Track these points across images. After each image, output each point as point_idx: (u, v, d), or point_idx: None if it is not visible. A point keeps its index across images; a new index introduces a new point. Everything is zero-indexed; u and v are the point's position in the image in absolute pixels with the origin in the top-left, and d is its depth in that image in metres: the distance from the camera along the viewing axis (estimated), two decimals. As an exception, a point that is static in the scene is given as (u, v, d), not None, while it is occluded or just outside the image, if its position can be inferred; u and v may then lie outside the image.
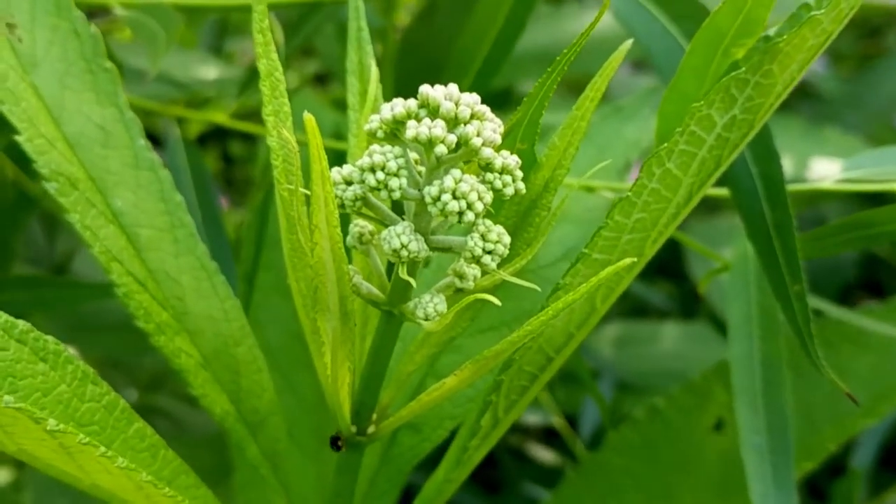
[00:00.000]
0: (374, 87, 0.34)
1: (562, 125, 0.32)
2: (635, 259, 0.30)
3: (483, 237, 0.29)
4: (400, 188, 0.29)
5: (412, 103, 0.29)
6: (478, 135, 0.29)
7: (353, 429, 0.33)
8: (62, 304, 0.55)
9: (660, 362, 0.69)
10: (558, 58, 0.31)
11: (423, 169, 0.30)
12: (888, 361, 0.53)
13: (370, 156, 0.29)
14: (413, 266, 0.30)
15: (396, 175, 0.29)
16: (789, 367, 0.41)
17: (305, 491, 0.44)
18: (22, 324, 0.29)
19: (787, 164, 0.41)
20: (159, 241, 0.36)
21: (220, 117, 0.55)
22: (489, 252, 0.29)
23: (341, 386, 0.32)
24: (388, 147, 0.29)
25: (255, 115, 0.48)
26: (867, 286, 0.84)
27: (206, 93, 0.60)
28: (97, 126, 0.35)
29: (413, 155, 0.30)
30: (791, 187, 0.39)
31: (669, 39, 0.41)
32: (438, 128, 0.28)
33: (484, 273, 0.31)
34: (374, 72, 0.35)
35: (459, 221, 0.28)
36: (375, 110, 0.33)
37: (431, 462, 0.38)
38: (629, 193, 0.32)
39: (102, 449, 0.28)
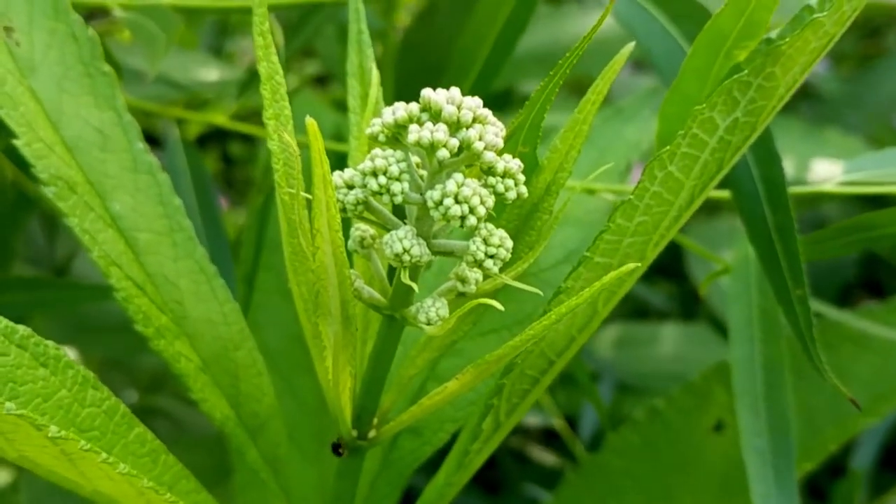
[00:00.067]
0: (375, 90, 0.34)
1: (563, 128, 0.32)
2: (638, 264, 0.30)
3: (485, 241, 0.29)
4: (402, 192, 0.29)
5: (414, 107, 0.29)
6: (480, 138, 0.28)
7: (355, 433, 0.33)
8: (62, 306, 0.55)
9: (660, 364, 0.69)
10: (560, 61, 0.31)
11: (424, 173, 0.30)
12: (888, 362, 0.53)
13: (372, 160, 0.29)
14: (415, 270, 0.30)
15: (398, 179, 0.28)
16: (789, 368, 0.41)
17: (306, 494, 0.44)
18: (22, 329, 0.29)
19: (788, 166, 0.41)
20: (158, 245, 0.36)
21: (220, 119, 0.55)
22: (491, 256, 0.29)
23: (343, 390, 0.32)
24: (389, 151, 0.29)
25: (255, 115, 0.48)
26: (867, 286, 0.84)
27: (206, 94, 0.60)
28: (95, 130, 0.35)
29: (415, 159, 0.30)
30: (792, 190, 0.39)
31: (670, 41, 0.41)
32: (440, 132, 0.28)
33: (486, 277, 0.31)
34: (374, 74, 0.34)
35: (461, 226, 0.28)
36: (377, 114, 0.33)
37: (432, 465, 0.38)
38: (631, 196, 0.32)
39: (104, 455, 0.27)
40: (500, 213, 0.33)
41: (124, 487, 0.29)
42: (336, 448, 0.33)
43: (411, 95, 0.30)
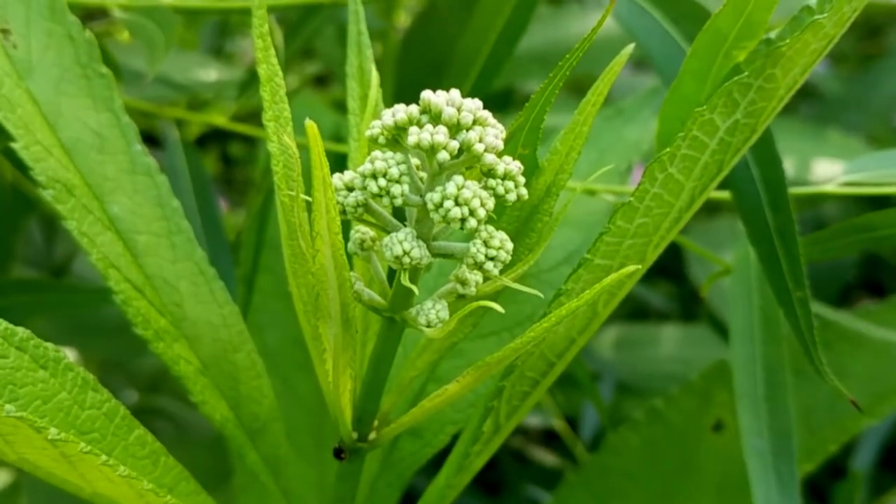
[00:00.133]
0: (375, 91, 0.34)
1: (564, 130, 0.32)
2: (638, 266, 0.30)
3: (485, 243, 0.29)
4: (402, 195, 0.29)
5: (414, 109, 0.29)
6: (480, 141, 0.28)
7: (355, 435, 0.33)
8: (62, 309, 0.55)
9: (660, 364, 0.69)
10: (560, 62, 0.30)
11: (424, 175, 0.30)
12: (887, 362, 0.53)
13: (372, 162, 0.29)
14: (415, 273, 0.30)
15: (398, 181, 0.28)
16: (789, 368, 0.41)
17: (306, 496, 0.44)
18: (22, 331, 0.29)
19: (788, 166, 0.41)
20: (157, 247, 0.36)
21: (220, 119, 0.55)
22: (491, 258, 0.29)
23: (343, 392, 0.32)
24: (389, 153, 0.29)
25: (254, 116, 0.48)
26: (867, 286, 0.84)
27: (206, 95, 0.60)
28: (93, 132, 0.35)
29: (415, 161, 0.30)
30: (793, 191, 0.39)
31: (670, 42, 0.41)
32: (441, 134, 0.28)
33: (486, 279, 0.31)
34: (374, 76, 0.34)
35: (462, 228, 0.28)
36: (376, 115, 0.33)
37: (433, 467, 0.38)
38: (631, 198, 0.32)
39: (104, 457, 0.27)
40: (501, 214, 0.33)
41: (124, 489, 0.29)
42: (338, 453, 0.33)
43: (411, 96, 0.30)
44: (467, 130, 0.28)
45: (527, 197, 0.30)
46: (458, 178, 0.28)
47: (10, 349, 0.29)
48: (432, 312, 0.30)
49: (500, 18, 0.48)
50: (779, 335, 0.41)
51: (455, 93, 0.29)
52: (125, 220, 0.35)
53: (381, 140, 0.29)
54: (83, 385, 0.30)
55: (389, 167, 0.28)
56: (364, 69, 0.35)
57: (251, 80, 0.52)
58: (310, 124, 0.27)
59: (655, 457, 0.54)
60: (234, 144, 0.91)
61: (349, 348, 0.31)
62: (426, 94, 0.29)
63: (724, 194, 0.39)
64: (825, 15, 0.30)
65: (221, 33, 0.77)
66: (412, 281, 0.30)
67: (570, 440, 0.69)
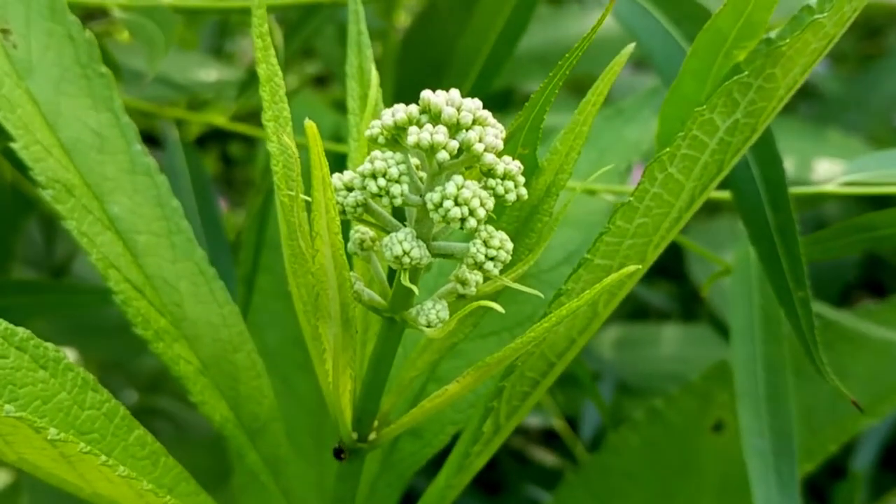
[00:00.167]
0: (375, 91, 0.34)
1: (564, 130, 0.32)
2: (638, 266, 0.30)
3: (485, 243, 0.29)
4: (401, 194, 0.28)
5: (413, 109, 0.29)
6: (480, 140, 0.28)
7: (355, 435, 0.33)
8: (62, 310, 0.55)
9: (660, 364, 0.69)
10: (560, 62, 0.30)
11: (424, 175, 0.30)
12: (887, 362, 0.53)
13: (371, 162, 0.29)
14: (415, 273, 0.30)
15: (398, 181, 0.28)
16: (790, 368, 0.41)
17: (306, 496, 0.44)
18: (22, 331, 0.29)
19: (789, 166, 0.41)
20: (156, 247, 0.36)
21: (220, 119, 0.55)
22: (491, 258, 0.29)
23: (343, 393, 0.32)
24: (389, 153, 0.29)
25: (254, 116, 0.48)
26: (868, 286, 0.84)
27: (206, 94, 0.60)
28: (93, 132, 0.35)
29: (414, 161, 0.30)
30: (793, 190, 0.39)
31: (670, 42, 0.41)
32: (440, 134, 0.28)
33: (486, 279, 0.31)
34: (374, 76, 0.34)
35: (461, 228, 0.28)
36: (376, 115, 0.33)
37: (433, 467, 0.38)
38: (631, 198, 0.32)
39: (103, 458, 0.27)
40: (500, 214, 0.33)
41: (124, 490, 0.29)
42: (338, 454, 0.33)
43: (411, 96, 0.30)
44: (467, 130, 0.28)
45: (526, 197, 0.30)
46: (458, 178, 0.28)
47: (10, 349, 0.29)
48: (432, 312, 0.30)
49: (500, 18, 0.48)
50: (779, 335, 0.41)
51: (455, 92, 0.29)
52: (125, 219, 0.35)
53: (381, 140, 0.29)
54: (83, 385, 0.30)
55: (389, 167, 0.28)
56: (364, 69, 0.35)
57: (251, 80, 0.52)
58: (309, 124, 0.27)
59: (656, 457, 0.54)
60: (233, 144, 0.91)
61: (349, 348, 0.31)
62: (426, 94, 0.29)
63: (725, 194, 0.39)
64: (825, 14, 0.30)
65: (221, 33, 0.77)
66: (412, 281, 0.30)
67: (571, 440, 0.69)
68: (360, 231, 0.32)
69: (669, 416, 0.54)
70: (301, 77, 0.83)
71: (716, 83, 0.36)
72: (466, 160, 0.29)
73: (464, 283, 0.30)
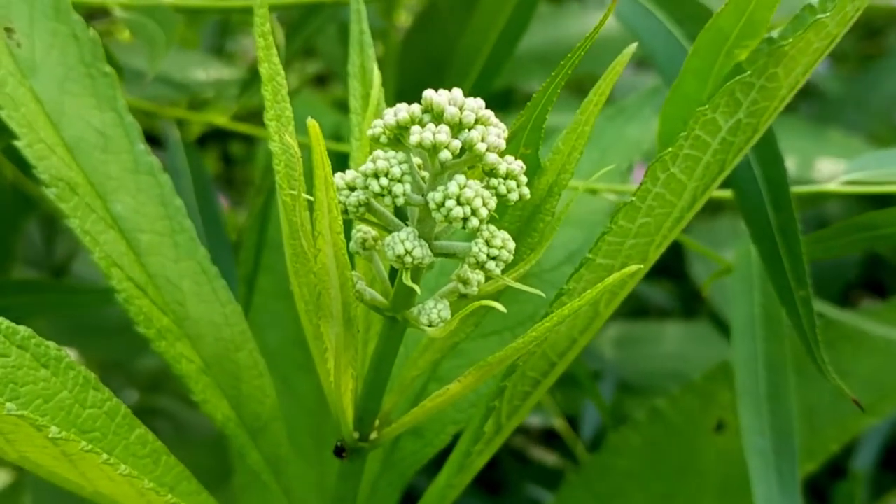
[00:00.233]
0: (377, 90, 0.34)
1: (566, 129, 0.32)
2: (640, 265, 0.30)
3: (487, 243, 0.29)
4: (404, 194, 0.28)
5: (416, 108, 0.29)
6: (482, 140, 0.28)
7: (356, 435, 0.33)
8: (63, 310, 0.55)
9: (661, 363, 0.69)
10: (562, 62, 0.30)
11: (426, 174, 0.30)
12: (889, 361, 0.53)
13: (374, 161, 0.29)
14: (417, 272, 0.30)
15: (400, 181, 0.28)
16: (791, 367, 0.41)
17: (307, 495, 0.44)
18: (23, 329, 0.29)
19: (790, 165, 0.41)
20: (159, 246, 0.36)
21: (221, 119, 0.55)
22: (493, 258, 0.29)
23: (344, 392, 0.32)
24: (391, 152, 0.29)
25: (255, 116, 0.48)
26: (869, 286, 0.84)
27: (207, 94, 0.60)
28: (96, 131, 0.35)
29: (416, 160, 0.30)
30: (795, 189, 0.39)
31: (672, 41, 0.41)
32: (443, 133, 0.28)
33: (488, 278, 0.31)
34: (376, 75, 0.34)
35: (463, 227, 0.28)
36: (378, 115, 0.33)
37: (434, 466, 0.38)
38: (633, 198, 0.32)
39: (105, 456, 0.27)
40: (503, 214, 0.33)
41: (125, 489, 0.29)
42: (339, 452, 0.33)
43: (413, 95, 0.30)
44: (469, 129, 0.28)
45: (529, 196, 0.30)
46: (461, 178, 0.28)
47: (12, 348, 0.29)
48: (434, 312, 0.30)
49: (500, 18, 0.48)
50: (781, 333, 0.41)
51: (457, 92, 0.29)
52: (128, 218, 0.35)
53: (383, 139, 0.29)
54: (84, 384, 0.30)
55: (391, 166, 0.28)
56: (366, 68, 0.35)
57: (252, 80, 0.52)
58: (312, 123, 0.27)
59: (657, 457, 0.54)
60: (234, 144, 0.91)
61: (351, 348, 0.31)
62: (428, 93, 0.29)
63: (727, 193, 0.39)
64: (828, 14, 0.30)
65: (222, 32, 0.77)
66: (414, 280, 0.30)
67: (571, 440, 0.69)
68: (362, 230, 0.32)
69: (670, 415, 0.54)
70: (302, 76, 0.83)
71: (717, 83, 0.36)
72: (469, 160, 0.29)
73: (465, 282, 0.30)
